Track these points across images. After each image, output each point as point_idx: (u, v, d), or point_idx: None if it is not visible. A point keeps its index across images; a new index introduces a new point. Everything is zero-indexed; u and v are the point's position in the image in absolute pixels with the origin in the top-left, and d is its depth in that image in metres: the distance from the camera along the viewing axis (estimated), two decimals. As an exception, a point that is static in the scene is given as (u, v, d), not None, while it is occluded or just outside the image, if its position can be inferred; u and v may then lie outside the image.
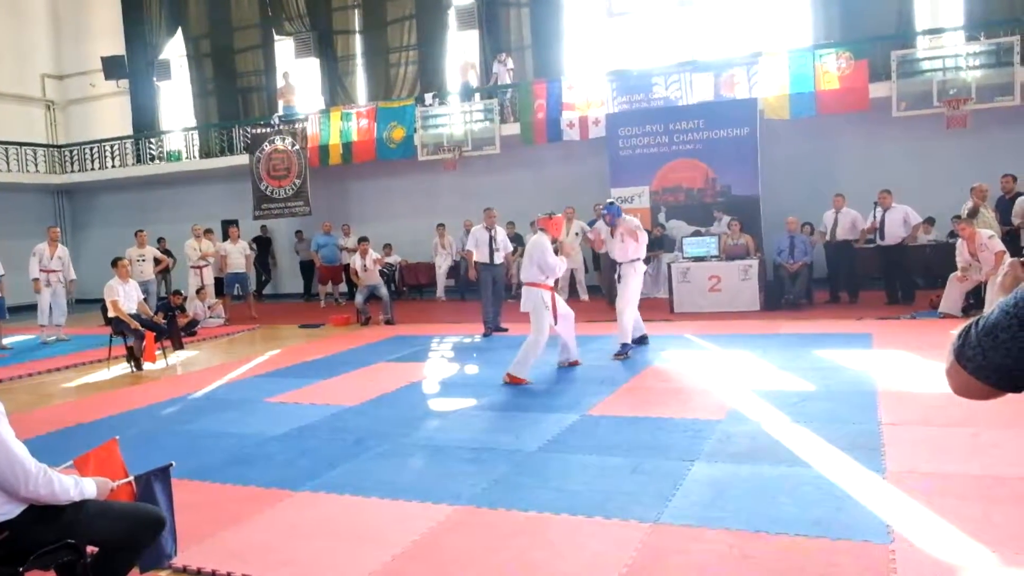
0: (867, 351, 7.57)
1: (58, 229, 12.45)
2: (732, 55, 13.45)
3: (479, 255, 10.32)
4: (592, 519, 3.77)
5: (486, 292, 10.34)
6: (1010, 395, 1.32)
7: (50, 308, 11.95)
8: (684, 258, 11.37)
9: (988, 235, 9.03)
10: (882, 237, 10.71)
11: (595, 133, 13.72)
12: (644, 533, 3.56)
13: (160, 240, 15.73)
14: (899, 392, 5.90)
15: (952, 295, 9.25)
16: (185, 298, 12.93)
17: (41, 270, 11.79)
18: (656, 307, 11.64)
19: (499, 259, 10.35)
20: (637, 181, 13.23)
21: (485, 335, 10.06)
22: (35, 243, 12.56)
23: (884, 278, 11.05)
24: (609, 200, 8.43)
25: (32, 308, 12.31)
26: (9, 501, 2.54)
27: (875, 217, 10.75)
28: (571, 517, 3.81)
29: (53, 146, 19.76)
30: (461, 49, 16.39)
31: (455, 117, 14.92)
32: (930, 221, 11.86)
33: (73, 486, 2.63)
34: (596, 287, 13.51)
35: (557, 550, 3.47)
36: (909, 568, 3.08)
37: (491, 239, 10.30)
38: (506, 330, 10.09)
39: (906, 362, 6.97)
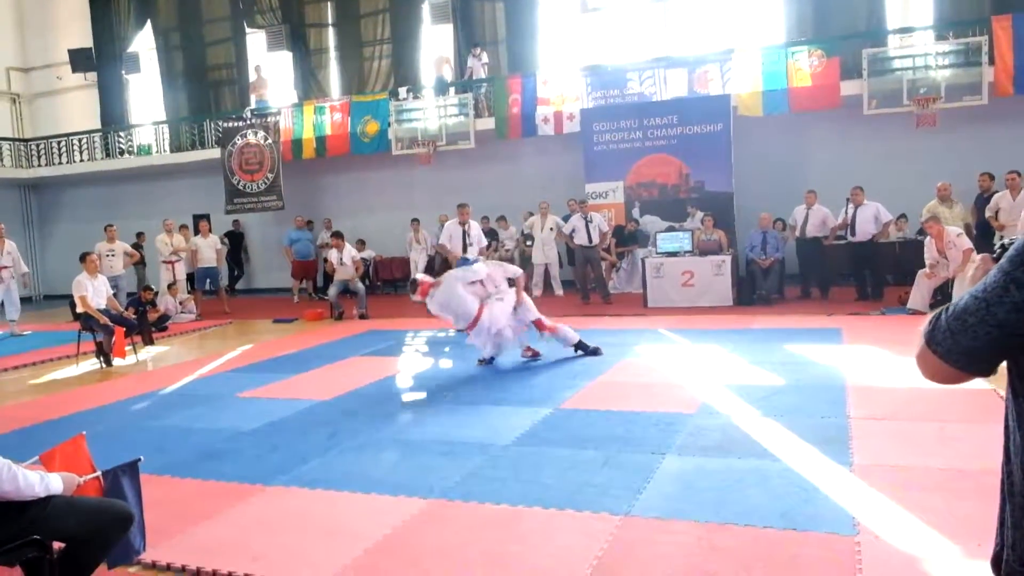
0: (837, 346, 7.67)
1: (2, 225, 12.21)
2: (706, 51, 13.53)
3: (452, 248, 10.34)
4: (564, 512, 3.79)
5: None
6: (975, 390, 1.36)
7: (2, 304, 11.80)
8: (658, 253, 11.44)
9: (956, 233, 9.19)
10: (853, 233, 10.83)
11: (570, 128, 13.75)
12: (615, 525, 3.59)
13: (139, 235, 15.53)
14: (868, 387, 5.98)
15: (920, 292, 9.39)
16: (156, 293, 12.78)
17: None
18: (630, 302, 11.73)
19: (472, 253, 10.33)
20: (611, 176, 13.29)
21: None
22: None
23: (854, 274, 11.20)
24: (463, 257, 8.17)
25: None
26: (-28, 497, 2.51)
27: (847, 214, 10.88)
28: (543, 510, 3.83)
29: (19, 140, 19.41)
30: (435, 43, 16.33)
31: (429, 111, 14.87)
32: (903, 218, 12.03)
33: (39, 481, 2.60)
34: (570, 282, 13.55)
35: (529, 543, 3.49)
36: (874, 560, 3.13)
37: (464, 234, 10.32)
38: None
39: (875, 357, 7.07)
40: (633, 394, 6.16)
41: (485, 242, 10.88)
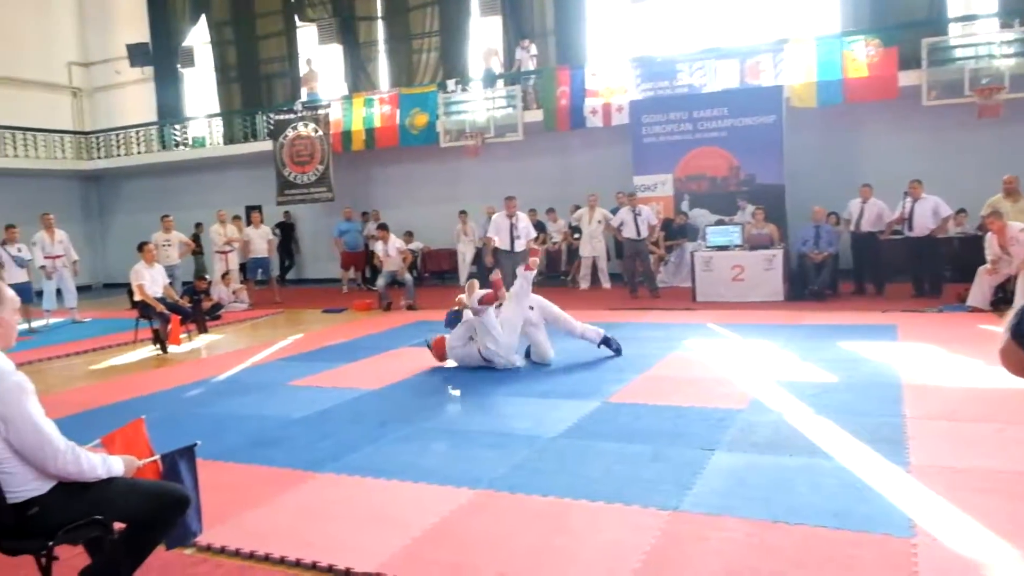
0: (892, 343, 7.49)
1: (52, 216, 12.59)
2: (758, 41, 13.31)
3: (500, 242, 10.37)
4: (611, 505, 3.77)
5: (509, 278, 10.32)
6: None
7: (58, 293, 12.19)
8: (707, 247, 11.30)
9: (1020, 228, 8.88)
10: (910, 228, 10.57)
11: (618, 120, 13.65)
12: (663, 520, 3.56)
13: (197, 226, 15.90)
14: (924, 385, 5.83)
15: (981, 288, 9.11)
16: (210, 283, 13.05)
17: (45, 257, 11.96)
18: (678, 296, 11.62)
19: (520, 247, 10.35)
20: (660, 169, 13.17)
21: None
22: (63, 229, 12.76)
23: (911, 270, 10.92)
24: (455, 308, 7.41)
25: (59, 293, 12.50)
26: (39, 478, 2.59)
27: (904, 208, 10.61)
28: (590, 503, 3.81)
29: (80, 133, 19.99)
30: (484, 35, 16.34)
31: (478, 104, 14.90)
32: (963, 212, 11.69)
33: (100, 463, 2.68)
34: (618, 275, 13.47)
35: (576, 535, 3.48)
36: (931, 563, 3.06)
37: (511, 227, 10.34)
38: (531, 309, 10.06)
39: (932, 355, 6.89)
40: (682, 389, 6.10)
41: (533, 234, 10.85)
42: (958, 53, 11.82)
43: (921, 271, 10.71)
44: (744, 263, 10.86)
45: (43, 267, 11.92)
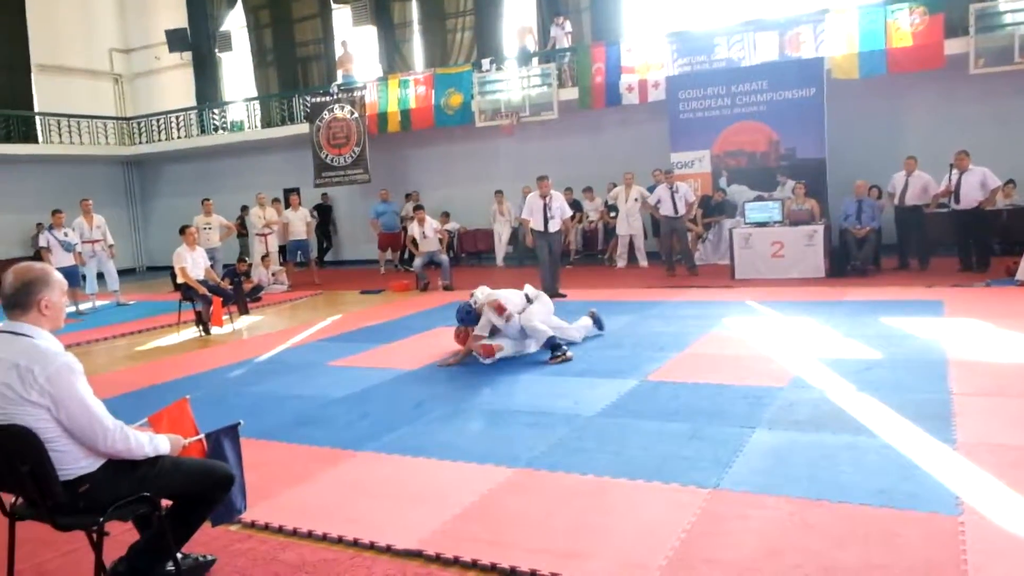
0: (938, 319, 7.34)
1: (90, 201, 12.83)
2: (798, 13, 13.01)
3: (534, 223, 10.22)
4: (651, 484, 3.76)
5: (543, 259, 10.33)
6: None
7: (100, 276, 12.45)
8: (746, 224, 11.15)
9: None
10: (957, 201, 10.30)
11: (655, 96, 13.48)
12: (703, 499, 3.54)
13: (243, 209, 16.12)
14: (971, 362, 5.71)
15: (1030, 261, 8.88)
16: (250, 265, 13.22)
17: (83, 242, 12.20)
18: (717, 273, 11.50)
19: (554, 227, 10.23)
20: (698, 145, 13.00)
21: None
22: (106, 214, 13.00)
23: (958, 244, 10.65)
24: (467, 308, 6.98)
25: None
26: (89, 456, 2.66)
27: (950, 180, 10.35)
28: (629, 481, 3.81)
29: (121, 118, 20.32)
30: (518, 13, 16.23)
31: (512, 82, 14.82)
32: (1011, 183, 11.36)
33: (148, 442, 2.74)
34: (655, 253, 13.37)
35: (616, 514, 3.48)
36: (979, 541, 3.00)
37: (545, 207, 10.18)
38: (564, 296, 9.97)
39: (979, 331, 6.73)
40: (721, 367, 6.04)
41: (568, 213, 10.65)
42: (1008, 19, 11.43)
43: (968, 245, 10.45)
44: (784, 239, 10.69)
45: (79, 252, 12.16)
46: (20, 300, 2.65)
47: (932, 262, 10.75)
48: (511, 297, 6.85)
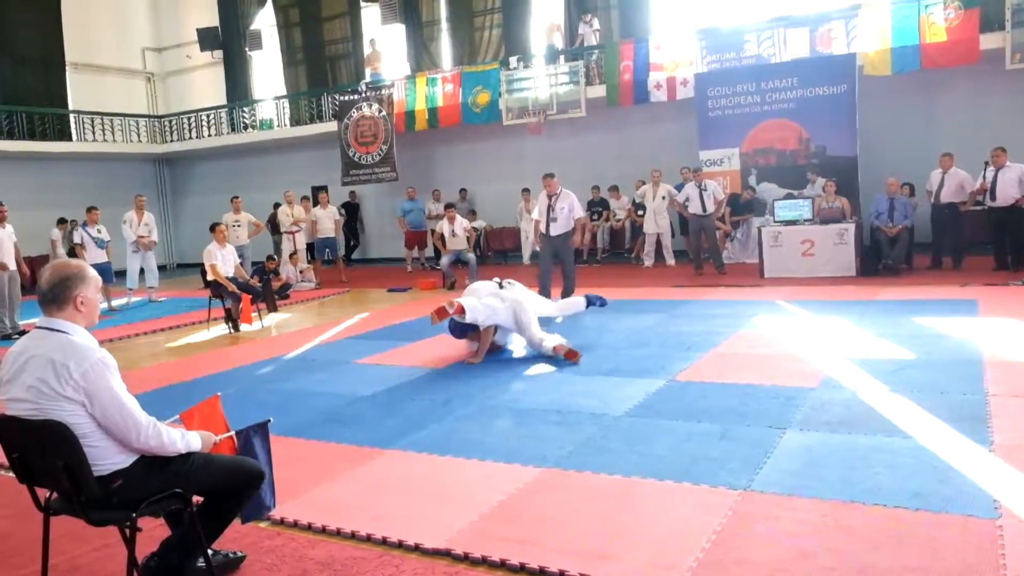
0: (972, 319, 7.21)
1: (144, 197, 13.08)
2: (829, 8, 12.85)
3: (541, 224, 9.57)
4: (680, 484, 3.73)
5: (544, 263, 9.71)
6: None
7: (141, 271, 12.63)
8: (775, 222, 11.03)
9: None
10: (993, 198, 10.13)
11: (683, 94, 13.39)
12: (733, 500, 3.51)
13: (276, 206, 16.24)
14: (1008, 362, 5.60)
15: (1068, 260, 8.70)
16: (278, 263, 13.32)
17: (137, 238, 12.39)
18: (745, 272, 11.41)
19: (556, 229, 9.45)
20: (726, 143, 12.89)
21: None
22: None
23: (993, 242, 10.46)
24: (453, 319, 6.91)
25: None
26: (122, 451, 2.68)
27: (985, 177, 10.16)
28: (658, 482, 3.78)
29: (153, 116, 20.59)
30: (546, 11, 16.20)
31: (540, 80, 14.78)
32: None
33: (180, 438, 2.76)
34: (682, 252, 13.28)
35: (644, 514, 3.45)
36: (1018, 544, 2.94)
37: (549, 208, 9.41)
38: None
39: (1016, 330, 6.61)
40: (750, 366, 5.98)
41: (579, 213, 9.69)
42: (1046, 13, 11.20)
43: (1003, 243, 10.25)
44: (814, 237, 10.57)
45: (134, 247, 12.41)
46: (57, 296, 2.68)
47: (966, 261, 10.57)
48: (484, 297, 6.74)
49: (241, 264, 10.75)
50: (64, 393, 2.55)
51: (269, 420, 3.25)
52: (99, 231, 12.03)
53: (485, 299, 6.70)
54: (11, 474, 4.14)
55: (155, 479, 2.71)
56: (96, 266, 11.93)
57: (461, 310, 6.38)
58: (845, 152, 11.94)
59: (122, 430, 2.62)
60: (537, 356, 6.78)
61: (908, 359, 5.90)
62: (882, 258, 10.49)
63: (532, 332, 6.70)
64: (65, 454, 2.54)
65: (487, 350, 6.90)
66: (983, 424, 4.29)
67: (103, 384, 2.59)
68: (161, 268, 19.35)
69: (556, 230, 9.40)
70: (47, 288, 2.68)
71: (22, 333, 8.20)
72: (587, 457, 4.19)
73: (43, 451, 2.61)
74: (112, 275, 12.15)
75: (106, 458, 2.64)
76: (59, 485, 2.67)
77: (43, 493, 2.84)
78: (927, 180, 10.95)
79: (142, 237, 12.66)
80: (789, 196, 11.85)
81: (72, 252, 17.05)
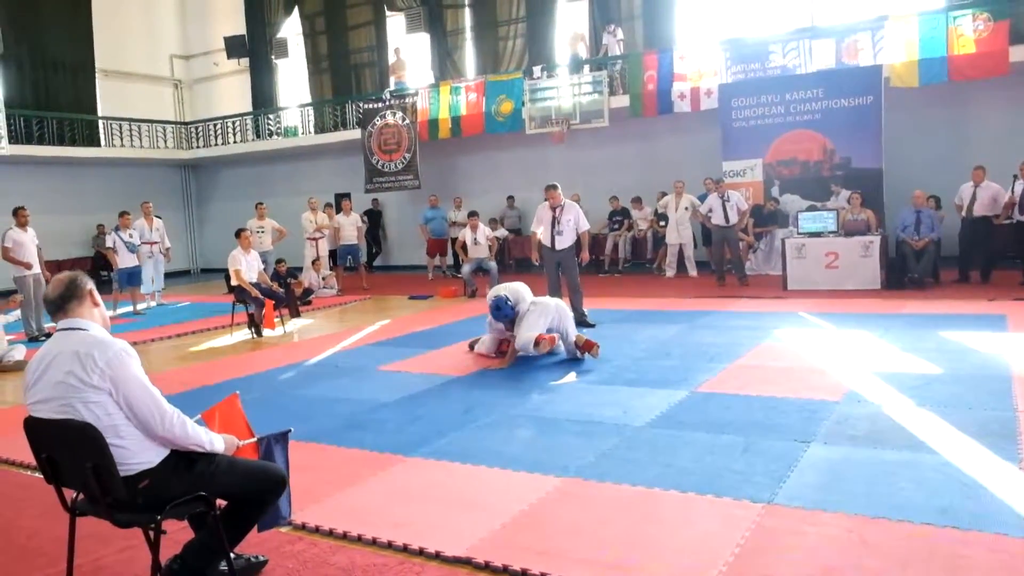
0: (1001, 334, 7.11)
1: (151, 204, 13.22)
2: (856, 20, 12.76)
3: (543, 236, 9.14)
4: (703, 496, 3.70)
5: (551, 277, 9.20)
6: None
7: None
8: (799, 233, 10.95)
9: None
10: (1022, 212, 9.99)
11: (707, 104, 13.34)
12: (757, 513, 3.47)
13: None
14: (1037, 378, 5.52)
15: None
16: (288, 268, 13.22)
17: (143, 242, 12.52)
18: (768, 284, 11.33)
19: (562, 243, 8.93)
20: (750, 153, 12.83)
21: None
22: (164, 216, 13.32)
23: (1022, 256, 10.31)
24: (502, 296, 7.10)
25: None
26: (150, 448, 2.71)
27: (1014, 191, 10.03)
28: (681, 494, 3.75)
29: (180, 123, 20.83)
30: (570, 21, 16.22)
31: (563, 90, 14.79)
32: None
33: (205, 434, 2.80)
34: (705, 263, 13.22)
35: (667, 526, 3.43)
36: (1049, 564, 2.89)
37: (554, 219, 8.92)
38: (593, 325, 8.65)
39: (1045, 346, 6.50)
40: (773, 379, 5.93)
41: (585, 226, 9.11)
42: (1077, 25, 11.07)
43: (1033, 258, 10.12)
44: (839, 250, 10.48)
45: (148, 252, 12.53)
46: (69, 295, 2.77)
47: (993, 275, 10.43)
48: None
49: (264, 270, 10.83)
50: (91, 382, 2.61)
51: (290, 430, 3.27)
52: (131, 235, 12.19)
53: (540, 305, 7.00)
54: (38, 475, 4.20)
55: (181, 480, 2.73)
56: (126, 270, 12.18)
57: (553, 342, 6.74)
58: (870, 164, 11.84)
59: (147, 415, 2.67)
60: (558, 366, 6.78)
61: (934, 374, 5.83)
62: (908, 271, 10.37)
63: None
64: (94, 455, 2.57)
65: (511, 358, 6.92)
66: (1012, 440, 4.23)
67: (128, 372, 2.66)
68: (185, 273, 19.65)
69: (561, 243, 8.96)
70: (56, 295, 2.78)
71: (48, 335, 8.32)
72: (610, 467, 4.17)
73: (72, 452, 2.64)
74: (140, 279, 12.30)
75: (134, 457, 2.67)
76: (86, 486, 2.70)
77: (69, 494, 2.87)
78: (956, 194, 10.82)
79: (153, 243, 12.78)
80: (812, 208, 11.77)
81: (98, 256, 17.32)
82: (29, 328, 9.91)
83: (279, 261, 12.48)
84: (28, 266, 9.82)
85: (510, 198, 16.20)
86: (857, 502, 3.52)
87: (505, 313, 7.01)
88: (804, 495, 3.65)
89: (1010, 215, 10.28)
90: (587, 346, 6.74)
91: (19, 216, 10.02)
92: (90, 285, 2.85)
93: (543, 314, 6.92)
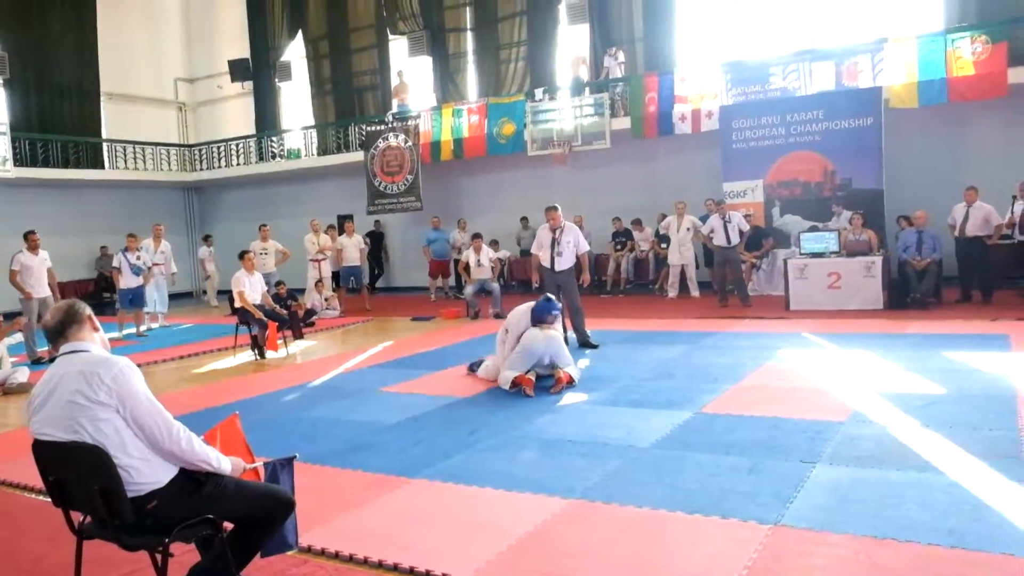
0: (1005, 353, 7.11)
1: (162, 227, 13.33)
2: (855, 42, 12.87)
3: (543, 258, 9.12)
4: (709, 518, 3.69)
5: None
6: None
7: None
8: (801, 254, 10.98)
9: None
10: (1022, 232, 10.01)
11: (708, 126, 13.43)
12: (763, 535, 3.46)
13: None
14: (1042, 398, 5.51)
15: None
16: (288, 290, 13.22)
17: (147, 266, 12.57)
18: (770, 304, 11.33)
19: (562, 264, 8.93)
20: (751, 175, 12.89)
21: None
22: (167, 238, 13.38)
23: (1022, 276, 10.33)
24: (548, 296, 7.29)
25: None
26: (158, 467, 2.72)
27: (1013, 211, 10.06)
28: (687, 515, 3.74)
29: (184, 145, 20.95)
30: (572, 43, 16.35)
31: (565, 112, 14.89)
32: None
33: (212, 452, 2.81)
34: (707, 283, 13.23)
35: (673, 548, 3.42)
36: (1058, 585, 2.88)
37: (554, 241, 8.92)
38: (596, 346, 8.73)
39: (1049, 366, 6.50)
40: (778, 399, 5.93)
41: (585, 248, 9.17)
42: (1075, 47, 11.16)
43: (1034, 278, 10.14)
44: (841, 270, 10.50)
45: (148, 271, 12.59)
46: (69, 320, 2.81)
47: (995, 295, 10.44)
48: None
49: (268, 292, 10.84)
50: (98, 399, 2.62)
51: (295, 456, 3.26)
52: (138, 257, 12.22)
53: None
54: (42, 498, 4.19)
55: (188, 502, 2.73)
56: (130, 290, 12.19)
57: (531, 385, 6.69)
58: (871, 185, 11.90)
59: (153, 429, 2.68)
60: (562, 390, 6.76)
61: (939, 394, 5.82)
62: (910, 291, 10.39)
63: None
64: (102, 477, 2.57)
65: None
66: (1018, 461, 4.22)
67: (133, 388, 2.68)
68: (188, 295, 19.66)
69: (561, 265, 8.93)
70: (56, 323, 2.82)
71: (53, 358, 8.34)
72: (615, 489, 4.16)
73: (79, 475, 2.64)
74: (144, 300, 12.32)
75: (143, 476, 2.67)
76: (94, 509, 2.70)
77: (76, 517, 2.87)
78: (949, 214, 10.85)
79: (157, 264, 12.83)
80: (814, 228, 11.81)
81: (101, 276, 17.36)
82: (31, 351, 9.92)
83: (279, 283, 12.48)
84: (28, 296, 9.85)
85: (524, 219, 16.20)
86: (864, 523, 3.51)
87: (553, 307, 7.10)
88: (811, 516, 3.63)
89: (1009, 235, 10.29)
90: (565, 379, 6.73)
91: (29, 240, 10.08)
92: (88, 311, 2.89)
93: (528, 358, 6.81)
